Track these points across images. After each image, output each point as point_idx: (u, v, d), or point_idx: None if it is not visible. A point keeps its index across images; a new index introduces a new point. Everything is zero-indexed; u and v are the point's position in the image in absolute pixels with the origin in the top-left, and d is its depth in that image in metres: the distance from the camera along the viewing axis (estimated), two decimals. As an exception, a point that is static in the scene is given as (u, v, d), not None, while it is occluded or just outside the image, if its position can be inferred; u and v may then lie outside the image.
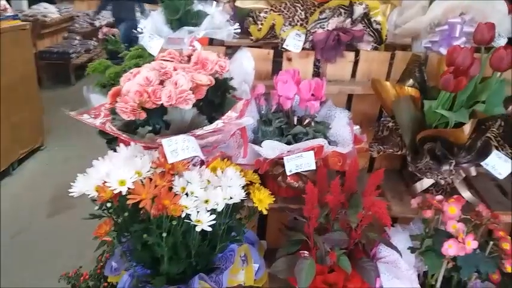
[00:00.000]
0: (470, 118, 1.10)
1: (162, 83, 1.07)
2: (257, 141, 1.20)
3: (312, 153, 1.10)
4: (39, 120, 3.70)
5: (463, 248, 1.03)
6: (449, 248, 1.03)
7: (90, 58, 5.56)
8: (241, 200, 1.07)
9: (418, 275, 1.23)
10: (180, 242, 1.02)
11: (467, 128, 1.05)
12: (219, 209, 0.99)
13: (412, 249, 1.15)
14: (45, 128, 3.78)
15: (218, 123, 1.01)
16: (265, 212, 1.12)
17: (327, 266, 1.12)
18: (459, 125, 1.10)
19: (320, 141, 1.10)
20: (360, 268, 1.13)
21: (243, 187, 1.10)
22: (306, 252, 1.12)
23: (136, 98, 1.03)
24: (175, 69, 1.08)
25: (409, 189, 1.31)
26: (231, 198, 1.02)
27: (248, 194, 1.13)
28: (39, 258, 2.38)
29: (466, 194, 1.28)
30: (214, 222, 0.98)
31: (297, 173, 1.18)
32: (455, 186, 1.28)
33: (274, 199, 1.14)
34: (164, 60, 1.14)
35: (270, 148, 1.10)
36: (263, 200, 1.13)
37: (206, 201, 1.00)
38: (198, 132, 1.00)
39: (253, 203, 1.11)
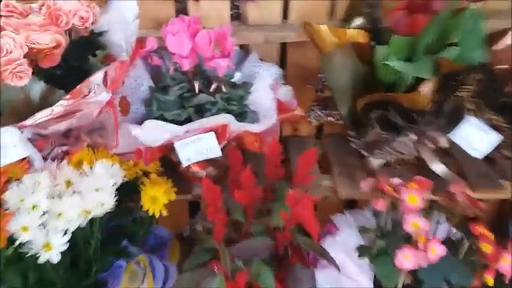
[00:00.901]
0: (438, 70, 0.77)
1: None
2: (151, 117, 0.89)
3: (212, 134, 0.79)
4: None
5: (424, 258, 0.74)
6: (406, 259, 0.74)
7: None
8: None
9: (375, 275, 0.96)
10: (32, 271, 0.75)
11: (426, 88, 0.72)
12: (73, 227, 0.70)
13: (361, 252, 0.86)
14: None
15: (60, 105, 0.69)
16: (162, 215, 0.84)
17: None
18: (421, 81, 0.77)
19: (223, 118, 0.78)
20: (292, 278, 0.86)
21: (131, 181, 0.83)
22: (217, 264, 0.85)
23: None
24: (2, 29, 0.74)
25: (362, 161, 1.00)
26: (93, 209, 0.73)
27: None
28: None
29: (438, 167, 0.96)
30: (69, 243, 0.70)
31: (205, 158, 0.87)
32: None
33: (175, 191, 0.86)
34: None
35: (153, 130, 0.79)
36: (159, 197, 0.84)
37: (60, 215, 0.72)
38: (29, 121, 0.69)
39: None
